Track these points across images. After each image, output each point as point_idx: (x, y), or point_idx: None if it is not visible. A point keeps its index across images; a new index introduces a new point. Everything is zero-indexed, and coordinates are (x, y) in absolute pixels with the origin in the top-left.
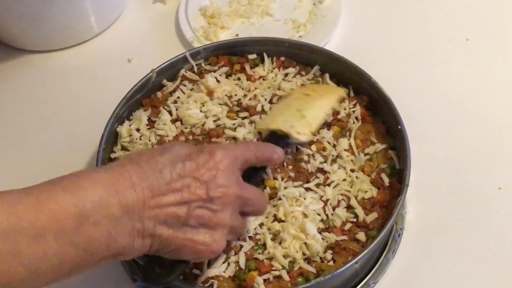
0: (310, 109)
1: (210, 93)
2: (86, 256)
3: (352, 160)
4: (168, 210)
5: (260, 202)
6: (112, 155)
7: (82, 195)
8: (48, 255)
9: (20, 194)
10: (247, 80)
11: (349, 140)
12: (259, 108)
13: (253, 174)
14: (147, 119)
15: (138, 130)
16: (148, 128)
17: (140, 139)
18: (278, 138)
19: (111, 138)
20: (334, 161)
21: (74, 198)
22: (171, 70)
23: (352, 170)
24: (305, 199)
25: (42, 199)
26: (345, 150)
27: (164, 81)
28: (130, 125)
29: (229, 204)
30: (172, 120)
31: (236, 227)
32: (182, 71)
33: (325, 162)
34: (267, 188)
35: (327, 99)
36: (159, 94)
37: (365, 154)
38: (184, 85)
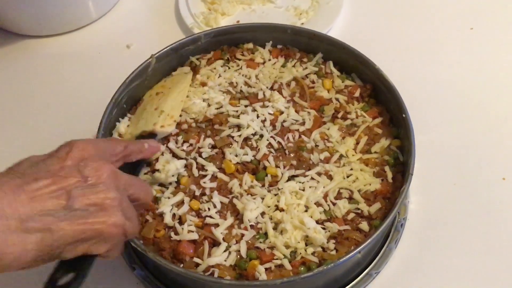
0: (165, 103)
1: (203, 84)
2: None
3: (358, 160)
4: (46, 201)
5: (142, 184)
6: None
7: None
8: None
9: None
10: (247, 67)
11: (355, 139)
12: (260, 96)
13: (131, 171)
14: None
15: None
16: None
17: None
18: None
19: (110, 124)
20: (339, 159)
21: None
22: (170, 57)
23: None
24: (303, 190)
25: None
26: (351, 149)
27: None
28: (127, 126)
29: (108, 178)
30: None
31: (128, 208)
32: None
33: (329, 155)
34: (269, 175)
35: (179, 88)
36: None
37: (372, 153)
38: None
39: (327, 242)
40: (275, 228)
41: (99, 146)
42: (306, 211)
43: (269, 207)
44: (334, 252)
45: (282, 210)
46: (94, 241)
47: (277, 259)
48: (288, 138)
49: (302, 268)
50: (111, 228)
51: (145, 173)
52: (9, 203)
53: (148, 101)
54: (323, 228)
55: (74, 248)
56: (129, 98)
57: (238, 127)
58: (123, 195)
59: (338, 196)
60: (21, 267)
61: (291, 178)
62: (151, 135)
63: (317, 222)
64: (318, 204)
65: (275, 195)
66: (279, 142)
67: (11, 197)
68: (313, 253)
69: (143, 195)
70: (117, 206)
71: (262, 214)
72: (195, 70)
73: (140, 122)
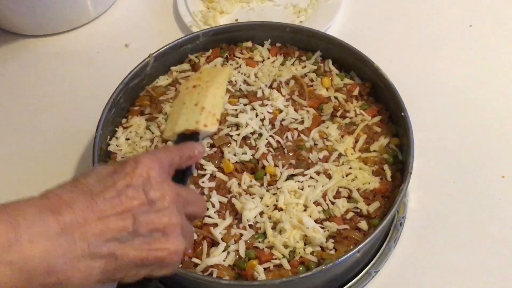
0: (206, 99)
1: None
2: (23, 278)
3: (357, 158)
4: (113, 223)
5: (200, 200)
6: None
7: (14, 213)
8: None
9: None
10: (246, 65)
11: (354, 138)
12: (259, 94)
13: (181, 178)
14: (149, 115)
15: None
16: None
17: (140, 139)
18: (188, 138)
19: (108, 124)
20: (338, 157)
21: (4, 215)
22: (169, 56)
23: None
24: (302, 189)
25: None
26: (350, 148)
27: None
28: (127, 138)
29: (171, 203)
30: None
31: (186, 229)
32: (175, 70)
33: (328, 154)
34: (267, 175)
35: (218, 82)
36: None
37: (371, 151)
38: (181, 78)
39: (326, 242)
40: (274, 228)
41: (161, 160)
42: (305, 210)
43: (268, 206)
44: (333, 252)
45: (281, 209)
46: (155, 267)
47: (276, 258)
48: (287, 137)
49: (301, 268)
50: (172, 256)
51: None
52: (78, 224)
53: (186, 94)
54: (322, 228)
55: (136, 274)
56: (128, 98)
57: (237, 126)
58: (182, 215)
59: (337, 195)
60: None
61: (290, 177)
62: (194, 133)
63: (316, 221)
64: (317, 203)
65: (274, 194)
66: (278, 141)
67: (81, 217)
68: (312, 253)
69: (199, 211)
70: (178, 231)
71: (261, 213)
72: (194, 68)
73: (181, 118)
